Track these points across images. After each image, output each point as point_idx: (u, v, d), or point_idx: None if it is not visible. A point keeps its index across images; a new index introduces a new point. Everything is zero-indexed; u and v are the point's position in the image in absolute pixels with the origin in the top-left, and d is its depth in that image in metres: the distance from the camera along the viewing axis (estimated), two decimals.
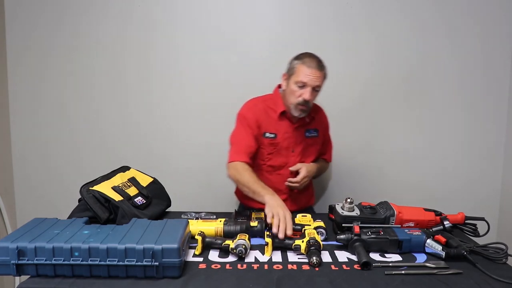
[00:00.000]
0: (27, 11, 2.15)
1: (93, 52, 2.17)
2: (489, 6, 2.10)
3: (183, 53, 2.17)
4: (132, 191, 1.51)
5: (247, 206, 1.80)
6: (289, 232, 1.28)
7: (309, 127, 1.77)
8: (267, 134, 1.71)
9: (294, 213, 1.53)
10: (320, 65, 1.61)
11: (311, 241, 1.21)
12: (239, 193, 1.89)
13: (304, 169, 1.70)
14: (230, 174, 1.63)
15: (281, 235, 1.26)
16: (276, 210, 1.34)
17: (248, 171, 1.58)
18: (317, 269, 1.14)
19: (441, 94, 2.18)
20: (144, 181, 1.64)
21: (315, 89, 1.62)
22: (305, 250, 1.21)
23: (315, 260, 1.15)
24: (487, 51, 2.14)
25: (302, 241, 1.23)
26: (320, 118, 1.83)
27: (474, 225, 1.46)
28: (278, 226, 1.28)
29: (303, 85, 1.60)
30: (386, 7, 2.11)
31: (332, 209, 1.46)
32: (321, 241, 1.27)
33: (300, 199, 1.81)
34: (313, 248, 1.19)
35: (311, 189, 1.91)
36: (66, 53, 2.18)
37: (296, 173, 1.72)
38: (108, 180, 1.49)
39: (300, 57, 1.64)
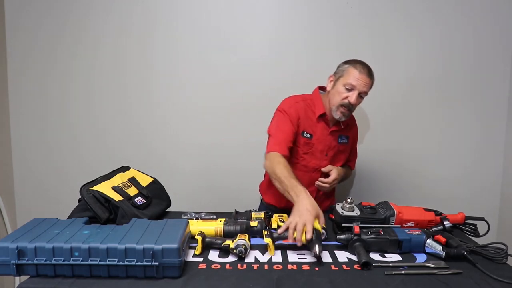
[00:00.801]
0: (27, 11, 2.15)
1: (93, 52, 2.17)
2: (492, 5, 2.10)
3: (183, 53, 2.17)
4: (132, 191, 1.51)
5: (268, 204, 1.81)
6: (309, 236, 1.19)
7: (342, 133, 1.77)
8: (305, 134, 1.70)
9: None
10: (370, 73, 1.63)
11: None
12: (264, 186, 1.87)
13: (335, 171, 1.71)
14: (266, 165, 1.57)
15: (299, 244, 1.20)
16: (297, 219, 1.23)
17: (284, 164, 1.49)
18: (317, 269, 1.14)
19: (440, 95, 2.18)
20: (144, 181, 1.64)
21: (361, 95, 1.62)
22: (306, 241, 1.19)
23: (317, 250, 1.14)
24: (487, 50, 2.14)
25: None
26: (352, 126, 1.84)
27: (474, 225, 1.46)
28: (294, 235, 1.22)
29: (351, 88, 1.60)
30: (386, 7, 2.11)
31: (332, 209, 1.46)
32: (322, 229, 1.25)
33: (325, 202, 1.80)
34: (314, 239, 1.18)
35: (334, 193, 1.90)
36: (66, 53, 2.18)
37: (326, 175, 1.72)
38: (108, 180, 1.49)
39: (352, 62, 1.65)
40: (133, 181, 1.57)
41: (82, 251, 1.05)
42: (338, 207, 1.41)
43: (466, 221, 1.47)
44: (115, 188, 1.45)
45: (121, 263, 1.05)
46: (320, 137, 1.71)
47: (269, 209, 1.75)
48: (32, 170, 2.28)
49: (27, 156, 2.27)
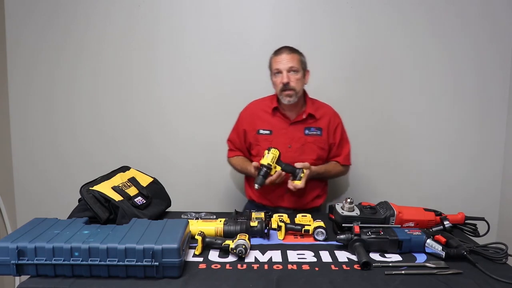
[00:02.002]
0: (27, 12, 2.15)
1: (94, 52, 2.18)
2: (492, 4, 2.10)
3: (183, 53, 2.17)
4: (132, 191, 1.51)
5: (255, 203, 1.84)
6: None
7: (310, 125, 1.79)
8: (261, 131, 1.80)
9: (296, 212, 1.59)
10: (288, 49, 1.73)
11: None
12: (248, 189, 1.92)
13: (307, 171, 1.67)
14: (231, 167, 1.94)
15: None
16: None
17: (237, 157, 1.89)
18: (317, 269, 1.14)
19: (441, 94, 2.18)
20: (144, 181, 1.64)
21: (292, 70, 1.70)
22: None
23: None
24: (487, 51, 2.14)
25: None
26: (328, 118, 1.83)
27: (474, 225, 1.46)
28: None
29: (278, 72, 1.72)
30: (386, 8, 2.11)
31: (332, 209, 1.46)
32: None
33: (304, 196, 1.79)
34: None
35: (320, 189, 1.86)
36: (67, 54, 2.18)
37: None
38: (108, 180, 1.49)
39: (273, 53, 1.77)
40: (133, 181, 1.57)
41: (82, 251, 1.05)
42: (338, 207, 1.41)
43: (466, 221, 1.46)
44: (115, 188, 1.45)
45: (121, 263, 1.05)
46: (280, 130, 1.78)
47: (251, 204, 1.87)
48: (32, 170, 2.28)
49: (27, 156, 2.27)
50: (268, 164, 1.60)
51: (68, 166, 2.26)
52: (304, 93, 1.83)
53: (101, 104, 2.22)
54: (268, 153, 1.62)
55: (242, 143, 1.87)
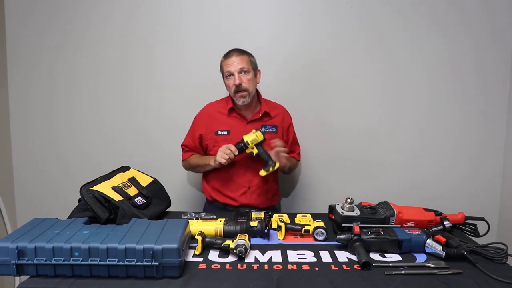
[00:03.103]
0: (27, 12, 2.15)
1: (94, 52, 2.17)
2: (493, 4, 2.10)
3: (183, 53, 2.17)
4: (132, 191, 1.51)
5: (213, 200, 1.87)
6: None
7: (266, 123, 1.85)
8: (219, 132, 1.83)
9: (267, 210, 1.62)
10: (237, 51, 1.78)
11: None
12: (206, 190, 1.93)
13: (279, 141, 1.73)
14: (185, 169, 2.00)
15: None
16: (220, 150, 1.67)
17: (193, 156, 1.90)
18: (317, 269, 1.14)
19: (441, 93, 2.18)
20: (144, 181, 1.64)
21: (243, 71, 1.75)
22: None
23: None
24: (487, 51, 2.14)
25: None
26: (281, 117, 1.91)
27: (474, 225, 1.46)
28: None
29: (230, 75, 1.76)
30: (386, 8, 2.11)
31: (332, 209, 1.46)
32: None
33: (266, 192, 1.85)
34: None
35: (276, 187, 1.96)
36: (67, 54, 2.18)
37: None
38: (108, 180, 1.50)
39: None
40: (133, 181, 1.57)
41: (82, 251, 1.05)
42: (338, 207, 1.41)
43: (466, 221, 1.47)
44: (115, 188, 1.45)
45: (121, 263, 1.05)
46: (238, 130, 1.80)
47: (213, 204, 1.89)
48: (32, 170, 2.28)
49: (27, 156, 2.27)
50: (246, 142, 1.68)
51: (68, 166, 2.26)
52: (257, 93, 1.89)
53: (101, 104, 2.22)
54: (253, 133, 1.69)
55: (198, 147, 1.90)
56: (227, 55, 1.79)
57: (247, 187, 1.82)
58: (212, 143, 1.84)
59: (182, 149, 1.96)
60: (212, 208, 1.86)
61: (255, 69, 1.82)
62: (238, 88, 1.74)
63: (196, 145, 1.89)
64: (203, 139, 1.87)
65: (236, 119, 1.85)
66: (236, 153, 1.68)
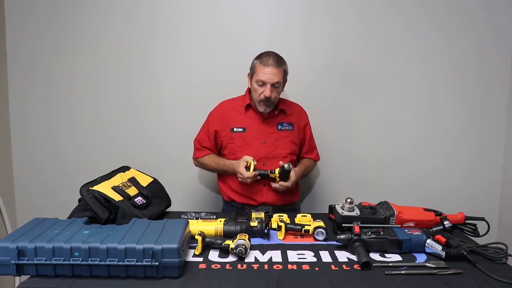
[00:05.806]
0: (27, 12, 2.14)
1: (93, 52, 2.17)
2: (493, 5, 2.10)
3: (183, 53, 2.16)
4: (132, 191, 1.51)
5: (231, 201, 1.85)
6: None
7: (282, 120, 1.85)
8: (235, 129, 1.82)
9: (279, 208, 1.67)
10: (277, 62, 1.71)
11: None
12: (223, 191, 1.92)
13: (294, 174, 1.74)
14: (196, 166, 1.98)
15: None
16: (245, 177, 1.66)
17: (210, 156, 1.87)
18: (317, 269, 1.14)
19: (441, 93, 2.18)
20: (144, 181, 1.64)
21: (275, 86, 1.71)
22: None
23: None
24: (487, 51, 2.14)
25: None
26: (297, 115, 1.91)
27: (474, 225, 1.46)
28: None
29: (262, 84, 1.71)
30: (386, 8, 2.11)
31: (332, 209, 1.46)
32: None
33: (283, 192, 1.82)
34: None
35: (296, 187, 1.92)
36: (67, 54, 2.18)
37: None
38: (108, 180, 1.50)
39: (259, 56, 1.77)
40: (133, 181, 1.58)
41: (82, 251, 1.05)
42: (338, 207, 1.41)
43: (466, 221, 1.47)
44: (115, 188, 1.45)
45: (121, 263, 1.05)
46: (253, 126, 1.82)
47: (230, 204, 1.87)
48: (32, 170, 2.27)
49: (27, 156, 2.27)
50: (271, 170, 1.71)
51: (68, 166, 2.26)
52: None
53: (101, 104, 2.22)
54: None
55: (212, 144, 1.88)
56: (265, 62, 1.70)
57: (262, 184, 1.79)
58: (227, 140, 1.84)
59: (195, 145, 1.93)
60: (229, 209, 1.85)
61: (285, 80, 1.79)
62: (266, 99, 1.73)
63: (211, 141, 1.87)
64: (218, 135, 1.86)
65: (253, 116, 1.84)
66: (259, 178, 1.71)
